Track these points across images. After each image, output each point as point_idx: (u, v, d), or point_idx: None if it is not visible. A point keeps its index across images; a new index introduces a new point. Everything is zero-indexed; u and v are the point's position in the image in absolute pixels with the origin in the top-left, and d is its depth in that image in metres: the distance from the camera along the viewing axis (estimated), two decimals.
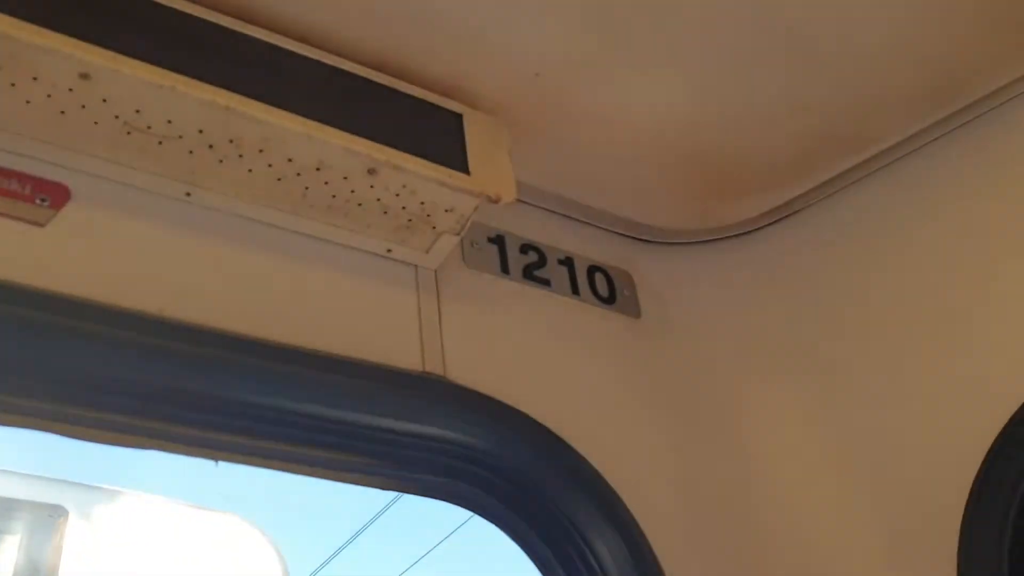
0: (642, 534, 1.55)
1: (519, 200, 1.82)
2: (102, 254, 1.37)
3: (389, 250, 1.63)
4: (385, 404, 1.49)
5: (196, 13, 1.42)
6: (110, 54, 1.27)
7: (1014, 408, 1.56)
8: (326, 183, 1.49)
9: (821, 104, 1.80)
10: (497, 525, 1.59)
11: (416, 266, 1.67)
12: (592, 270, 1.92)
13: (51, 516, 3.29)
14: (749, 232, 2.04)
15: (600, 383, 1.77)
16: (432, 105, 1.62)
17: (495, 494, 1.57)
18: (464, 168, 1.55)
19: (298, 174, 1.47)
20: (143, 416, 1.34)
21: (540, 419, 1.58)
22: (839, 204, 1.93)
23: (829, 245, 1.92)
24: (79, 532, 3.32)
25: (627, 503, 1.57)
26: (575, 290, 1.87)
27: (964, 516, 1.54)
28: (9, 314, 1.25)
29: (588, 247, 1.95)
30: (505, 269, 1.79)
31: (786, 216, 1.98)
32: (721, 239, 2.05)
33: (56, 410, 1.31)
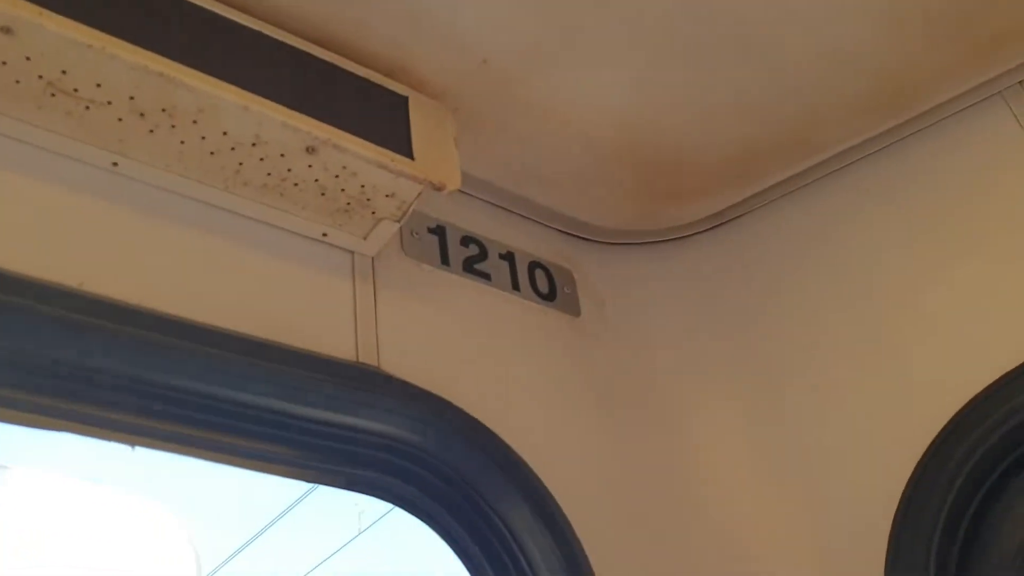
0: (574, 535, 1.52)
1: (461, 191, 1.78)
2: (18, 221, 1.28)
3: (325, 234, 1.57)
4: (316, 394, 1.43)
5: None
6: (36, 8, 1.20)
7: (943, 423, 1.57)
8: (261, 159, 1.43)
9: (767, 109, 1.81)
10: (425, 521, 1.54)
11: (353, 252, 1.61)
12: (533, 266, 1.89)
13: None
14: (691, 235, 2.04)
15: (537, 380, 1.73)
16: (377, 86, 1.57)
17: (425, 490, 1.53)
18: (408, 153, 1.50)
19: (232, 148, 1.41)
20: (56, 395, 1.26)
21: (474, 414, 1.54)
22: (780, 211, 1.93)
23: (769, 251, 1.92)
24: None
25: (560, 503, 1.54)
26: (515, 286, 1.83)
27: (891, 532, 1.54)
28: None
29: (530, 243, 1.92)
30: (445, 261, 1.75)
31: (728, 221, 1.98)
32: (663, 241, 2.04)
33: None
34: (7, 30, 1.20)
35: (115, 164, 1.40)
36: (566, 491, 1.58)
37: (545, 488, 1.54)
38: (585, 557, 1.51)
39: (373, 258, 1.63)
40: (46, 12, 1.20)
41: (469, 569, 1.53)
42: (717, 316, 1.91)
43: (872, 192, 1.85)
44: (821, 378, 1.72)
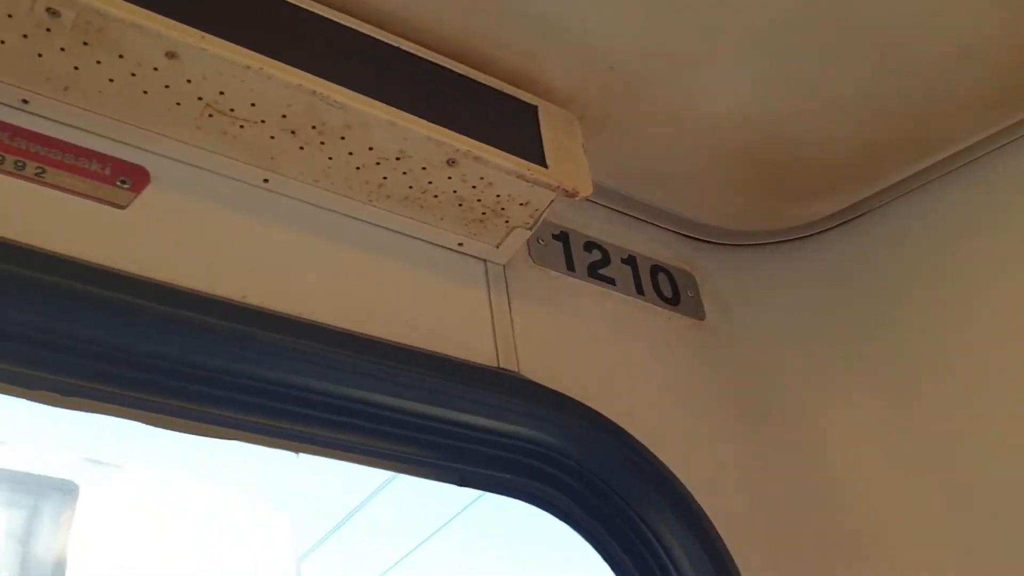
0: (719, 537, 1.51)
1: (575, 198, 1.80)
2: (182, 239, 1.34)
3: (460, 244, 1.60)
4: (460, 398, 1.45)
5: None
6: (199, 33, 1.24)
7: None
8: (404, 173, 1.46)
9: (891, 107, 1.78)
10: (568, 523, 1.56)
11: (486, 261, 1.64)
12: (655, 270, 1.89)
13: (61, 491, 3.27)
14: (815, 234, 2.01)
15: (668, 384, 1.73)
16: (507, 96, 1.60)
17: (567, 493, 1.54)
18: (541, 161, 1.52)
19: (377, 163, 1.44)
20: (223, 406, 1.31)
21: (613, 417, 1.55)
22: (907, 207, 1.90)
23: (897, 248, 1.88)
24: (89, 506, 3.30)
25: (703, 506, 1.54)
26: (639, 290, 1.84)
27: None
28: (89, 295, 1.22)
29: (651, 246, 1.92)
30: (571, 267, 1.76)
31: (853, 219, 1.95)
32: (785, 241, 2.02)
33: (134, 398, 1.27)
34: (172, 55, 1.25)
35: (266, 181, 1.44)
36: (706, 493, 1.58)
37: (688, 492, 1.54)
38: (733, 562, 1.50)
39: (504, 266, 1.65)
40: (208, 36, 1.25)
41: (615, 571, 1.54)
42: (843, 313, 1.89)
43: (1002, 185, 1.81)
44: (962, 373, 1.69)
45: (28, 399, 1.18)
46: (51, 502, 3.18)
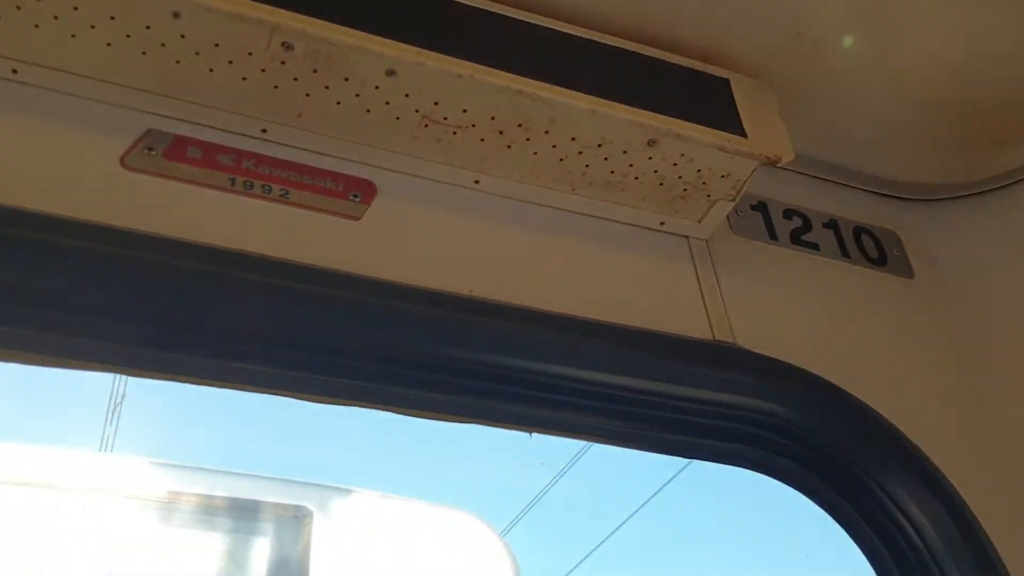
0: (965, 504, 1.48)
1: (777, 165, 1.79)
2: (410, 242, 1.44)
3: (662, 223, 1.64)
4: (682, 373, 1.49)
5: (476, 4, 1.48)
6: (414, 49, 1.34)
7: None
8: (606, 159, 1.51)
9: None
10: (798, 489, 1.56)
11: (688, 237, 1.67)
12: (858, 231, 1.86)
13: (296, 516, 3.45)
14: (1018, 182, 1.92)
15: (885, 344, 1.71)
16: (698, 72, 1.62)
17: (796, 459, 1.54)
18: (740, 132, 1.53)
19: (580, 152, 1.50)
20: (464, 393, 1.40)
21: (837, 383, 1.54)
22: None
23: None
24: (322, 531, 3.47)
25: (944, 471, 1.51)
26: (844, 253, 1.82)
27: None
28: (338, 299, 1.34)
29: (852, 209, 1.89)
30: (773, 236, 1.76)
31: None
32: (990, 191, 1.94)
33: (393, 392, 1.38)
34: (391, 72, 1.35)
35: (477, 182, 1.53)
36: (938, 454, 1.55)
37: (921, 452, 1.52)
38: (980, 524, 1.47)
39: (707, 240, 1.68)
40: (423, 51, 1.34)
41: (852, 535, 1.53)
42: None
43: None
44: None
45: (311, 401, 1.31)
46: (288, 528, 3.39)
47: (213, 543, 3.25)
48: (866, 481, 1.52)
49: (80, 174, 1.29)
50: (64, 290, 1.23)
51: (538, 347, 1.42)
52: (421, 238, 1.45)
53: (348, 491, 3.65)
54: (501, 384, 1.41)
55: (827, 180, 1.90)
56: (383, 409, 1.37)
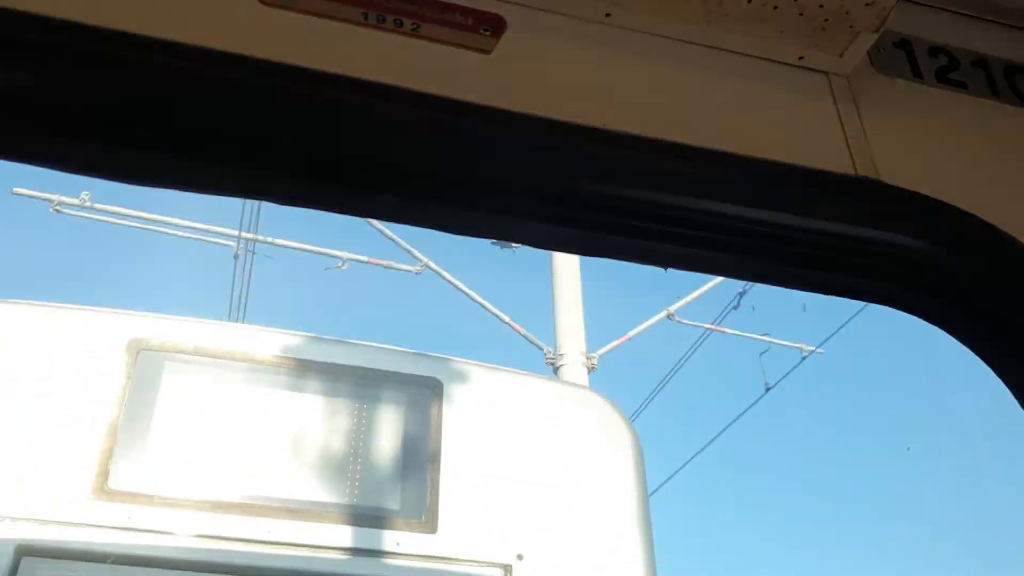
0: None
1: (921, 3, 1.69)
2: (541, 76, 1.42)
3: (801, 57, 1.57)
4: (826, 207, 1.44)
5: None
6: None
7: None
8: None
9: None
10: (942, 327, 1.51)
11: (828, 73, 1.59)
12: (1010, 71, 1.75)
13: (428, 387, 3.52)
14: None
15: None
16: None
17: (941, 297, 1.49)
18: None
19: None
20: (602, 229, 1.39)
21: (991, 220, 1.47)
22: None
23: None
24: (451, 402, 3.53)
25: None
26: (994, 91, 1.71)
27: None
28: (468, 129, 1.34)
29: (1002, 47, 1.77)
30: (917, 73, 1.67)
31: None
32: None
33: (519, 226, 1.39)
34: None
35: (608, 15, 1.49)
36: None
37: None
38: None
39: (847, 77, 1.60)
40: None
41: (995, 370, 1.48)
42: None
43: None
44: None
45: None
46: (419, 397, 3.46)
47: (347, 410, 3.36)
48: (1017, 321, 1.45)
49: (222, 8, 1.31)
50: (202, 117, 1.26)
51: (675, 181, 1.39)
52: (552, 71, 1.43)
53: (477, 365, 3.69)
54: (640, 219, 1.39)
55: (977, 17, 1.78)
56: (512, 241, 1.38)
